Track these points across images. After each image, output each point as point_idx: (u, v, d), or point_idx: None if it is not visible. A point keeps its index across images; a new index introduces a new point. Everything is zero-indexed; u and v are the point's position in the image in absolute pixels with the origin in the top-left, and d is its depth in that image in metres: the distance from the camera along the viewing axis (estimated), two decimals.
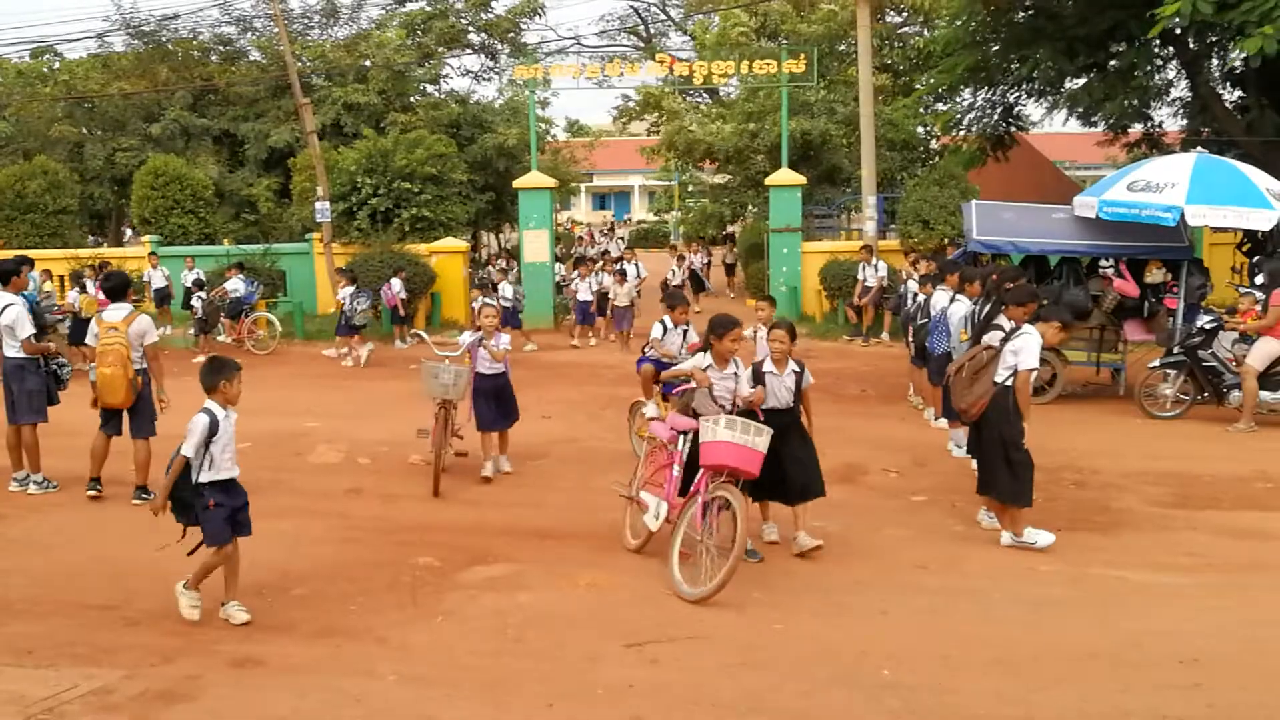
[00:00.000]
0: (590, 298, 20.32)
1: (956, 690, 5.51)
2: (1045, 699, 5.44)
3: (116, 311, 9.26)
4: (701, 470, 7.04)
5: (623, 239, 45.00)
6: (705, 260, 27.29)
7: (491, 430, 10.15)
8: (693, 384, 7.49)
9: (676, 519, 7.17)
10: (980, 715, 5.26)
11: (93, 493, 9.35)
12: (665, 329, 10.16)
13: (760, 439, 6.95)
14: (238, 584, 6.61)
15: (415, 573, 7.39)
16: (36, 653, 6.04)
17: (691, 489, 7.11)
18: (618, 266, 21.44)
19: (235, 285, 20.04)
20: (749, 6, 29.19)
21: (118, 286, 9.51)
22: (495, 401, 10.06)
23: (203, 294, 19.87)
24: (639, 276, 21.48)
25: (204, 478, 6.35)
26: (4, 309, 9.46)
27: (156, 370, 9.31)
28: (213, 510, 6.38)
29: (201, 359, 18.16)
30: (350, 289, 18.62)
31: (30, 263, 10.19)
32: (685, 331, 10.16)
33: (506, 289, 19.71)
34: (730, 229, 34.88)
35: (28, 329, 9.48)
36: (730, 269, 30.18)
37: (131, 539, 8.28)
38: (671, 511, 7.26)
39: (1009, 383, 7.75)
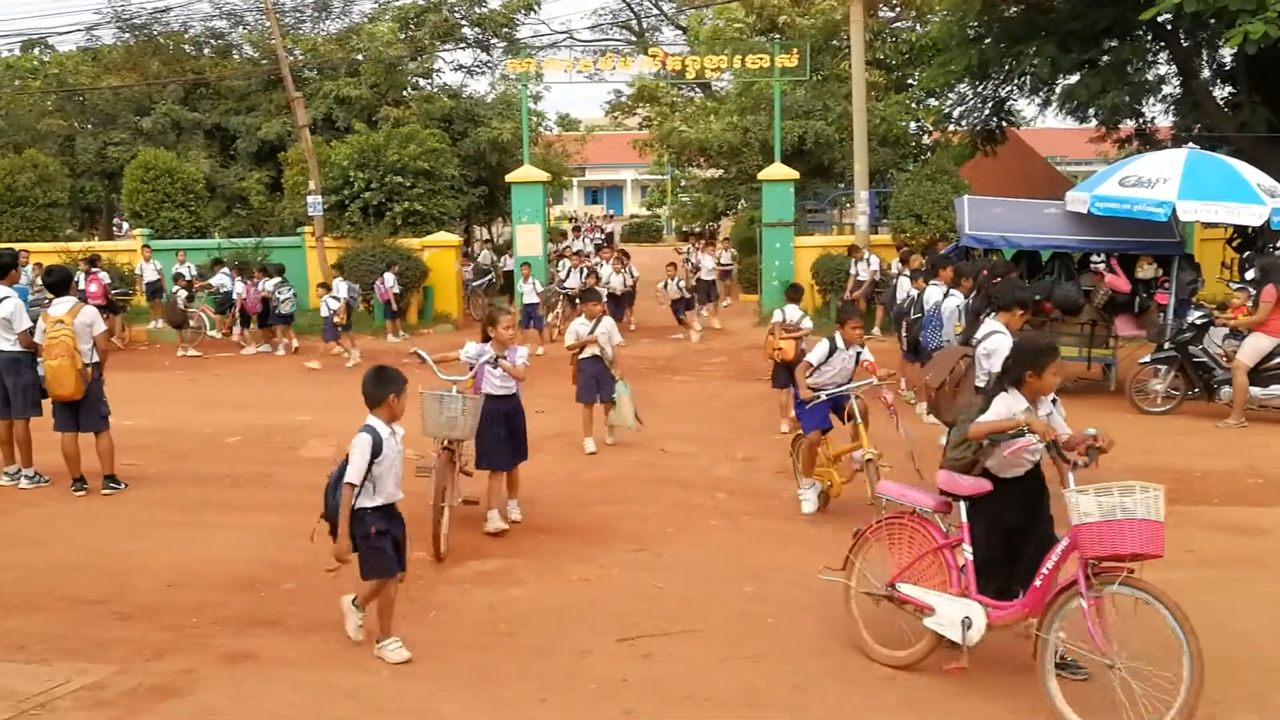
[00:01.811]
0: (536, 299, 19.45)
1: (947, 685, 5.52)
2: (1037, 691, 5.45)
3: (61, 305, 9.31)
4: (1058, 553, 5.17)
5: (597, 235, 42.72)
6: (715, 260, 23.31)
7: (500, 470, 8.30)
8: (1029, 439, 5.27)
9: (1039, 628, 5.14)
10: (973, 709, 5.28)
11: (80, 493, 9.34)
12: (833, 348, 8.48)
13: (1159, 503, 4.85)
14: (391, 619, 5.97)
15: (407, 566, 7.37)
16: (28, 648, 6.03)
17: (1042, 582, 5.19)
18: (591, 263, 21.08)
19: (221, 280, 20.03)
20: (744, 1, 29.14)
21: (60, 281, 9.59)
22: (506, 431, 8.19)
23: (177, 289, 19.68)
24: (625, 282, 20.87)
25: (365, 502, 5.75)
26: (0, 301, 9.44)
27: (103, 359, 9.49)
28: (375, 539, 5.76)
29: (193, 353, 18.34)
30: (276, 280, 18.73)
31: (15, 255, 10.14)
32: (859, 354, 8.55)
33: (531, 287, 19.47)
34: (712, 225, 34.59)
35: (25, 322, 9.46)
36: (726, 273, 25.14)
37: (124, 534, 8.28)
38: (997, 616, 5.37)
39: (988, 387, 7.77)
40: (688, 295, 20.81)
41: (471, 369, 8.16)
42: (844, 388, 8.29)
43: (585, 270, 20.54)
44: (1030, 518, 5.55)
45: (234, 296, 19.60)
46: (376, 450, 5.71)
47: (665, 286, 20.42)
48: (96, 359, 9.34)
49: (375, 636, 5.94)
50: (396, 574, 5.93)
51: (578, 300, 18.45)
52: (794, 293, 11.92)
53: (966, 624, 5.28)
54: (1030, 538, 5.46)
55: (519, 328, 17.64)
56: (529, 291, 19.30)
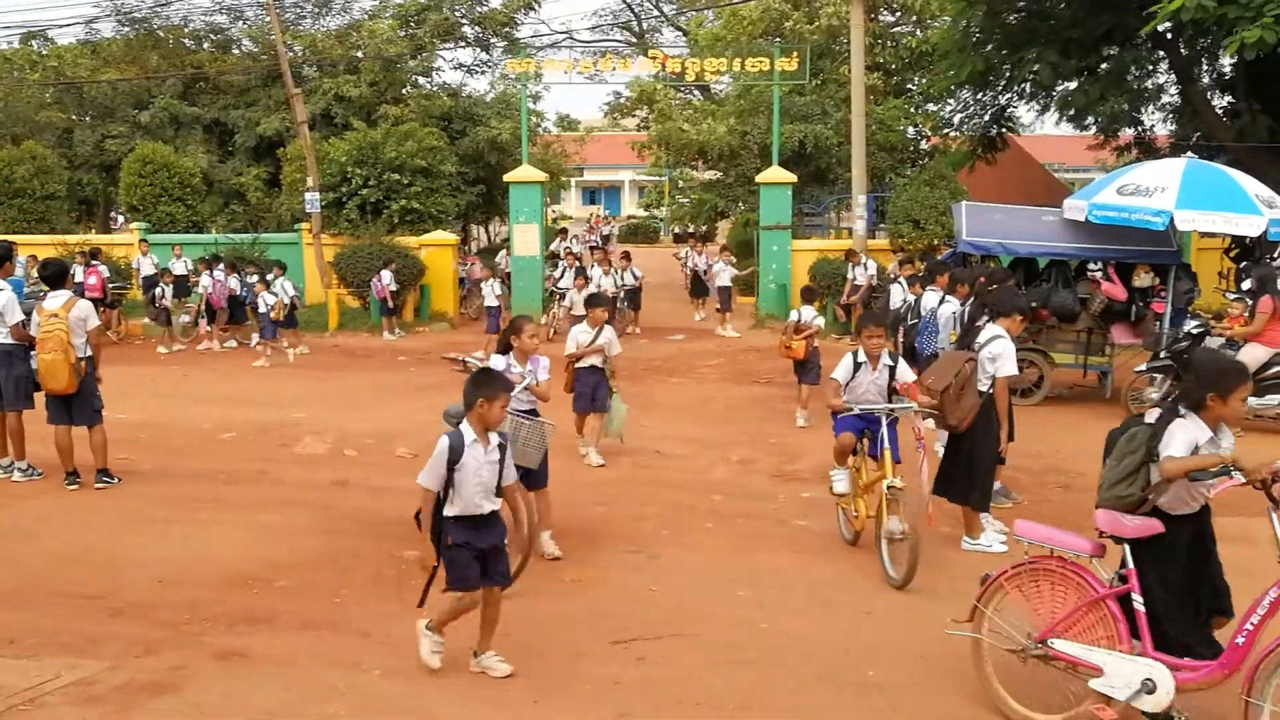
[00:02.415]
0: (496, 303, 18.83)
1: (940, 691, 5.52)
2: (1031, 698, 5.46)
3: (56, 299, 9.30)
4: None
5: (593, 238, 41.68)
6: (709, 262, 23.33)
7: (540, 487, 7.68)
8: (1236, 478, 4.98)
9: (1246, 691, 4.58)
10: (963, 717, 5.27)
11: (73, 486, 9.33)
12: (857, 364, 7.83)
13: None
14: (493, 634, 5.70)
15: (401, 566, 7.37)
16: (18, 642, 6.01)
17: (1245, 639, 4.71)
18: (576, 267, 20.38)
19: (206, 282, 20.00)
20: (751, 4, 29.12)
21: (56, 274, 9.57)
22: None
23: (162, 285, 19.58)
24: (621, 282, 20.78)
25: (448, 511, 5.48)
26: None
27: (97, 353, 9.46)
28: (453, 550, 5.47)
29: (177, 347, 18.28)
30: (254, 278, 18.59)
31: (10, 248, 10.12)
32: (892, 369, 7.94)
33: (490, 289, 19.08)
34: (703, 228, 34.46)
35: (16, 315, 9.45)
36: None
37: (116, 528, 8.26)
38: (1188, 678, 4.79)
39: (991, 390, 7.80)
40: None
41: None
42: (877, 406, 7.54)
43: (576, 270, 20.01)
44: (1201, 560, 5.08)
45: (200, 290, 19.34)
46: (455, 457, 5.38)
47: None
48: (90, 353, 9.33)
49: (473, 650, 5.71)
50: (478, 588, 5.54)
51: (562, 300, 18.35)
52: (809, 294, 13.12)
53: (1148, 687, 4.69)
54: (1203, 583, 5.01)
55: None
56: (489, 294, 18.63)
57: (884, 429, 7.40)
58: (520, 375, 7.40)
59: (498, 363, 7.50)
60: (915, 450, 7.65)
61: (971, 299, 10.08)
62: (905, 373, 7.79)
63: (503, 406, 5.50)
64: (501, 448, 5.56)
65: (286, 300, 17.86)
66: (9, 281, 9.79)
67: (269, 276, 18.22)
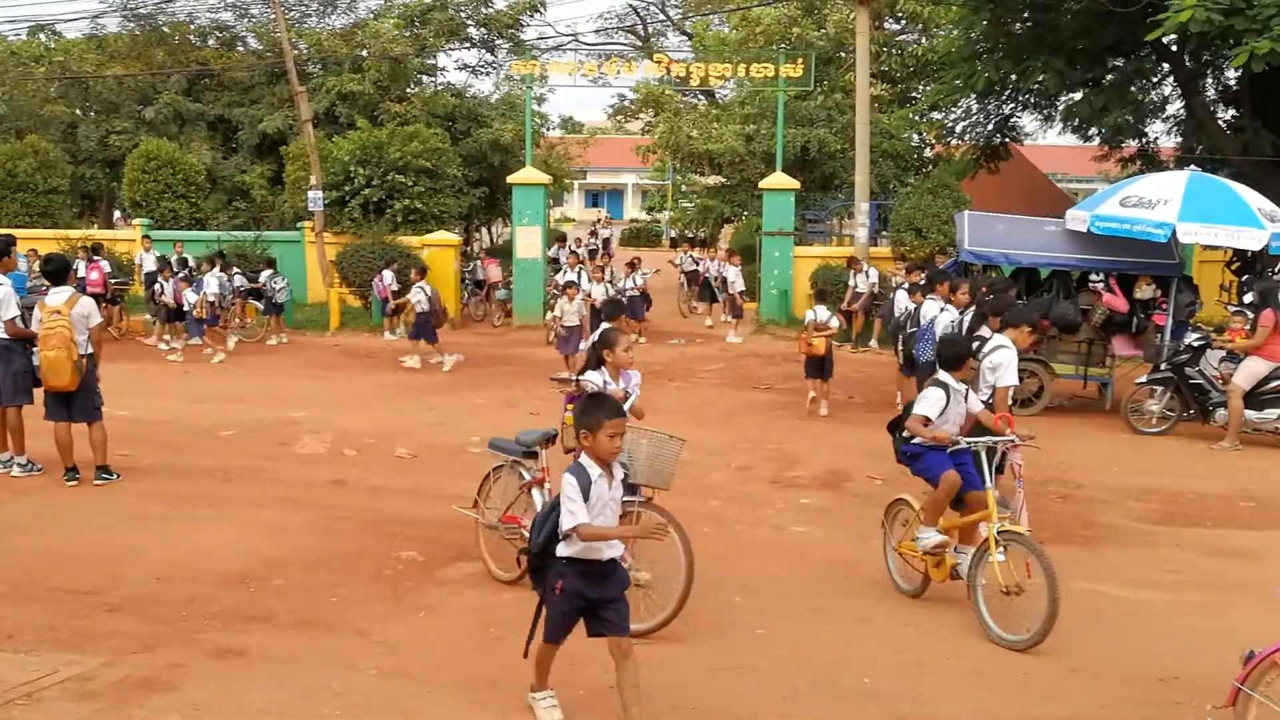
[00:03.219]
0: (426, 308, 17.36)
1: (936, 701, 5.53)
2: (1023, 713, 5.46)
3: (58, 295, 9.30)
4: None
5: (592, 241, 40.95)
6: (720, 268, 22.52)
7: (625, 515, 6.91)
8: None
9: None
10: None
11: (72, 482, 9.33)
12: (948, 392, 6.92)
13: None
14: (638, 699, 4.97)
15: (398, 567, 7.38)
16: (16, 637, 6.01)
17: None
18: (565, 279, 18.87)
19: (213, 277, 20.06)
20: (762, 9, 29.15)
21: (58, 270, 9.55)
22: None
23: (161, 281, 19.55)
24: (607, 292, 20.66)
25: (563, 550, 4.90)
26: None
27: (98, 352, 9.47)
28: (559, 597, 4.92)
29: (175, 345, 18.30)
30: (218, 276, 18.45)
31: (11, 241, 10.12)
32: (966, 392, 7.16)
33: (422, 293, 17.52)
34: (702, 233, 34.40)
35: (12, 311, 9.44)
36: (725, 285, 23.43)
37: (115, 524, 8.26)
38: None
39: (991, 400, 7.80)
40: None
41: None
42: (988, 439, 6.66)
43: (565, 281, 18.24)
44: None
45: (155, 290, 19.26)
46: (584, 493, 4.80)
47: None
48: (91, 350, 9.33)
49: (532, 685, 5.31)
50: (561, 641, 5.07)
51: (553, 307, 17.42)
52: (822, 295, 14.28)
53: None
54: None
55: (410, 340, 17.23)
56: (421, 299, 17.60)
57: (985, 464, 6.64)
58: (623, 392, 6.83)
59: (593, 378, 6.91)
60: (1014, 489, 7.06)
61: (972, 308, 10.10)
62: (975, 400, 7.12)
63: (612, 435, 4.82)
64: (624, 483, 5.04)
65: (212, 297, 17.80)
66: (11, 276, 9.79)
67: (208, 274, 18.03)
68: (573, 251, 23.38)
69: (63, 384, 9.10)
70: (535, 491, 6.79)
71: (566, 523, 4.75)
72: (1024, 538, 6.20)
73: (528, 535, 5.78)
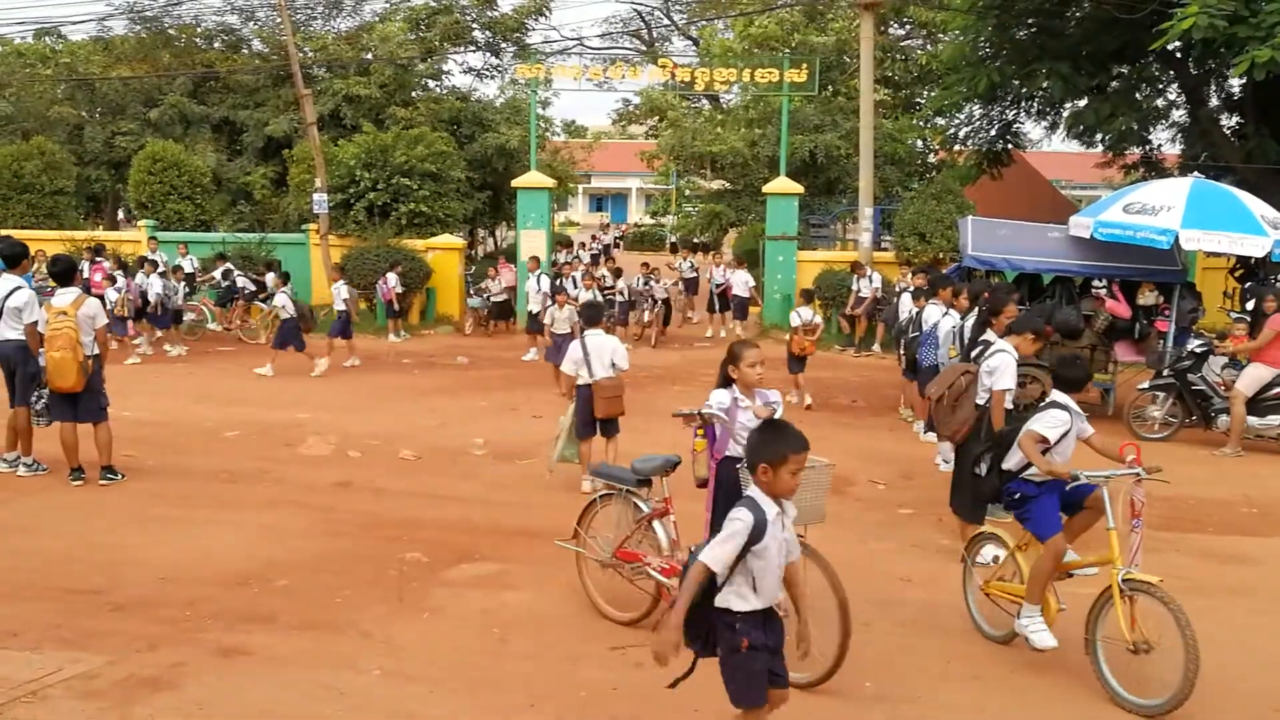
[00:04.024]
0: (345, 307, 17.30)
1: (938, 704, 5.54)
2: (1026, 716, 5.48)
3: (64, 296, 9.36)
4: None
5: (594, 246, 39.96)
6: (726, 274, 22.51)
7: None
8: None
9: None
10: None
11: (77, 482, 9.36)
12: (1071, 415, 6.21)
13: None
14: None
15: (402, 568, 7.41)
16: (21, 635, 6.04)
17: None
18: (556, 283, 18.66)
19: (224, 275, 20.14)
20: (765, 18, 29.21)
21: (65, 270, 9.62)
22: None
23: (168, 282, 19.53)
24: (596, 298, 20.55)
25: (736, 603, 4.26)
26: (12, 291, 9.51)
27: (104, 351, 9.53)
28: (749, 655, 4.27)
29: (182, 349, 18.31)
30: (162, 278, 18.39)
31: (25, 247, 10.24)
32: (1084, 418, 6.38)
33: (338, 293, 17.41)
34: (703, 238, 34.42)
35: (34, 315, 9.50)
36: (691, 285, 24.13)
37: (119, 524, 8.29)
38: None
39: (988, 404, 7.81)
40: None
41: (706, 424, 6.33)
42: (1107, 474, 5.82)
43: (554, 287, 18.12)
44: None
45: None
46: (757, 534, 4.17)
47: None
48: (97, 351, 9.38)
49: None
50: (765, 704, 4.41)
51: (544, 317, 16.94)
52: (808, 295, 14.58)
53: None
54: None
55: (329, 336, 17.13)
56: (337, 298, 17.40)
57: (1107, 500, 5.83)
58: (771, 408, 6.24)
59: (720, 399, 6.31)
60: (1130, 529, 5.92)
61: (975, 314, 10.08)
62: (1085, 424, 6.30)
63: (794, 471, 4.20)
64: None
65: (153, 299, 17.76)
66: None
67: (152, 275, 17.97)
68: (567, 261, 22.75)
69: (68, 385, 9.14)
70: (658, 525, 6.21)
71: (709, 556, 4.15)
72: (1153, 586, 5.50)
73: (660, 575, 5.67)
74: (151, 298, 17.72)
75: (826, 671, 5.52)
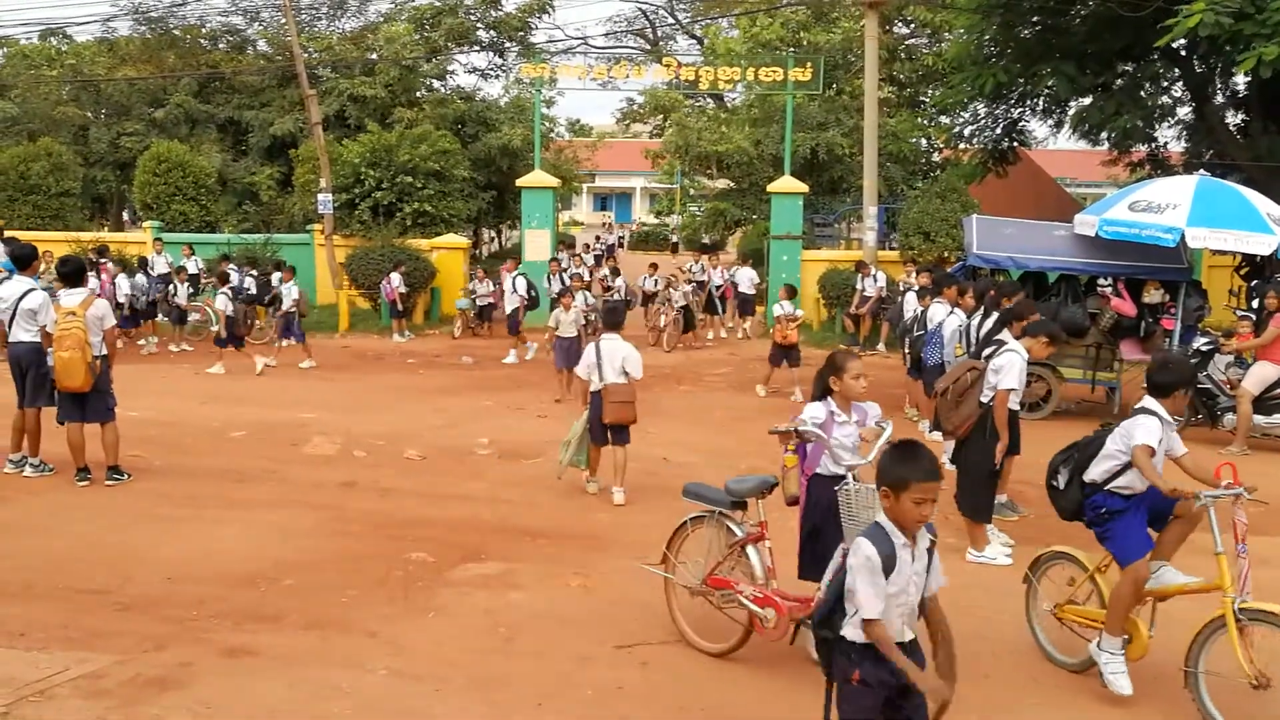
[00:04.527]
0: (293, 308, 17.31)
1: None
2: (1033, 715, 5.47)
3: (73, 296, 9.40)
4: None
5: (588, 245, 39.23)
6: (726, 275, 22.26)
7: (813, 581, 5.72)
8: None
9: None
10: None
11: (83, 482, 9.38)
12: (1164, 423, 5.80)
13: None
14: None
15: (408, 568, 7.41)
16: (29, 635, 6.05)
17: None
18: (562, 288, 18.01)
19: (232, 276, 20.14)
20: (767, 18, 29.20)
21: (74, 271, 9.65)
22: (832, 529, 5.59)
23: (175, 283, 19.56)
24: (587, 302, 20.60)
25: (852, 634, 3.93)
26: (26, 293, 9.55)
27: (112, 352, 9.57)
28: (860, 689, 3.94)
29: (185, 347, 18.35)
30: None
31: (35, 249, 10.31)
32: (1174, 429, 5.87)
33: (288, 292, 17.29)
34: (706, 239, 34.32)
35: (50, 317, 9.52)
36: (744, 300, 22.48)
37: (125, 524, 8.31)
38: None
39: (992, 402, 7.81)
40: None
41: (800, 439, 5.78)
42: (1216, 494, 5.42)
43: (561, 290, 17.09)
44: None
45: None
46: (889, 565, 3.85)
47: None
48: (105, 352, 9.41)
49: None
50: None
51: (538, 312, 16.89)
52: (790, 290, 15.59)
53: None
54: None
55: (277, 335, 17.10)
56: (287, 298, 17.34)
57: (1214, 521, 5.38)
58: (879, 429, 5.86)
59: (815, 412, 5.82)
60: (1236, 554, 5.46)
61: (993, 314, 10.05)
62: (1178, 441, 5.91)
63: (919, 500, 3.81)
64: (930, 550, 4.02)
65: (122, 299, 17.75)
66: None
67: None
68: (553, 259, 22.13)
69: (76, 385, 9.17)
70: (751, 551, 5.86)
71: (866, 609, 3.81)
72: (1275, 615, 5.02)
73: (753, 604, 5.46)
74: (120, 298, 17.71)
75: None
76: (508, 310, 18.31)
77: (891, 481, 3.85)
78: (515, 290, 18.07)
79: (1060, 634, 6.04)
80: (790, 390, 14.80)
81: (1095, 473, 5.82)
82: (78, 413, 9.38)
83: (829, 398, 5.87)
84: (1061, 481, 6.05)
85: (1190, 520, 5.69)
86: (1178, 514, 5.71)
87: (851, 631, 3.92)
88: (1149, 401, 5.77)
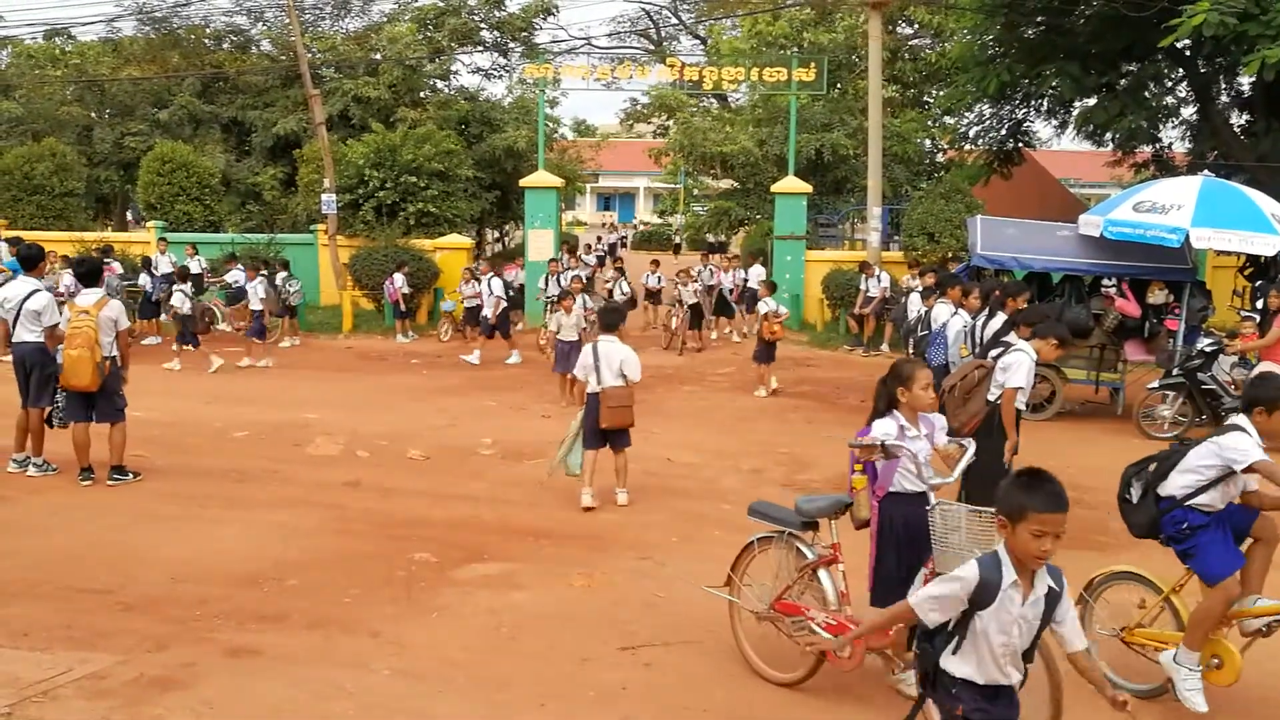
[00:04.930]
0: (259, 306, 17.41)
1: None
2: (1034, 717, 5.46)
3: (88, 296, 9.44)
4: None
5: (589, 245, 38.66)
6: (739, 276, 21.84)
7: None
8: None
9: None
10: None
11: (86, 482, 9.38)
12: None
13: None
14: None
15: (410, 568, 7.41)
16: (32, 635, 6.06)
17: None
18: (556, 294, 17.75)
19: (235, 276, 20.14)
20: (771, 18, 29.20)
21: (91, 271, 9.75)
22: (916, 558, 5.44)
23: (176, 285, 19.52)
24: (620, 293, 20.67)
25: (954, 666, 3.70)
26: (31, 294, 9.58)
27: (125, 354, 9.58)
28: None
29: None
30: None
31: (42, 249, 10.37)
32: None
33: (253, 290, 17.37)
34: (712, 239, 34.23)
35: (54, 317, 9.55)
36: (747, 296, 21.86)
37: (128, 524, 8.31)
38: None
39: (999, 401, 7.79)
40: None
41: (876, 453, 5.39)
42: None
43: (560, 293, 16.74)
44: None
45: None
46: (984, 598, 3.57)
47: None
48: (116, 352, 9.43)
49: None
50: None
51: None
52: (772, 287, 16.07)
53: None
54: None
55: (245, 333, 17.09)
56: (253, 296, 17.16)
57: None
58: (962, 447, 5.53)
59: (885, 427, 5.46)
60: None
61: (998, 314, 10.04)
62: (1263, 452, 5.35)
63: (1039, 534, 3.49)
64: (1050, 598, 3.67)
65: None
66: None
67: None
68: (553, 259, 21.71)
69: (82, 384, 9.18)
70: (824, 574, 5.53)
71: (914, 599, 3.74)
72: None
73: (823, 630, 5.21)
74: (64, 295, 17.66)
75: None
76: (485, 312, 17.85)
77: (1009, 510, 3.54)
78: (492, 292, 17.67)
79: (1124, 658, 5.72)
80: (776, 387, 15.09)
81: (1174, 487, 5.48)
82: (84, 412, 9.40)
83: (896, 411, 5.51)
84: (1135, 495, 5.74)
85: (1270, 541, 5.47)
86: (1255, 536, 5.46)
87: (953, 663, 3.68)
88: (1241, 419, 5.39)
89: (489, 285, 17.83)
